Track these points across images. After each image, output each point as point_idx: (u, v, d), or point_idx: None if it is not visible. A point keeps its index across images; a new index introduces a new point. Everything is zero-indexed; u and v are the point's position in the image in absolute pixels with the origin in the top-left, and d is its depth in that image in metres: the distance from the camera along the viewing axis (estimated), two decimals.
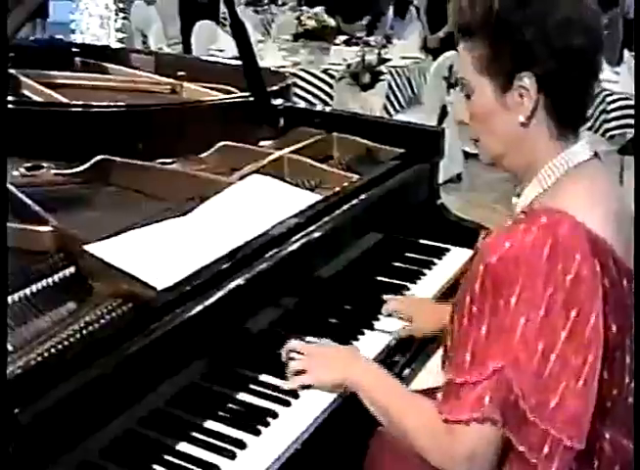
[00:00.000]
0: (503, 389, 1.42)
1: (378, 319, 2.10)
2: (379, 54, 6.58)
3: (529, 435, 1.43)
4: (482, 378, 1.43)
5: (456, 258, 2.48)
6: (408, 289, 2.28)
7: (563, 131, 1.56)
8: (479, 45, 1.53)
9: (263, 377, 1.80)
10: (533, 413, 1.41)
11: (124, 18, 8.38)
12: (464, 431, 1.45)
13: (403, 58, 7.00)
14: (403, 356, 2.05)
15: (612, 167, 5.39)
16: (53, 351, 1.49)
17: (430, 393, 1.85)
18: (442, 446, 1.51)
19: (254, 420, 1.67)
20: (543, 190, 1.55)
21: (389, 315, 2.11)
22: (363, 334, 2.03)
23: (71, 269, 1.73)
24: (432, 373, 2.11)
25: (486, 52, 1.52)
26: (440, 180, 2.80)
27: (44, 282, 1.68)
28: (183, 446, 1.59)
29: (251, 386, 1.78)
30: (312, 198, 2.19)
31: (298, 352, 1.81)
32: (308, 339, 1.92)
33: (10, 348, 1.49)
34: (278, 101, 2.85)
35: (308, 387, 1.76)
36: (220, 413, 1.69)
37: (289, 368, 1.78)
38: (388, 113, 6.48)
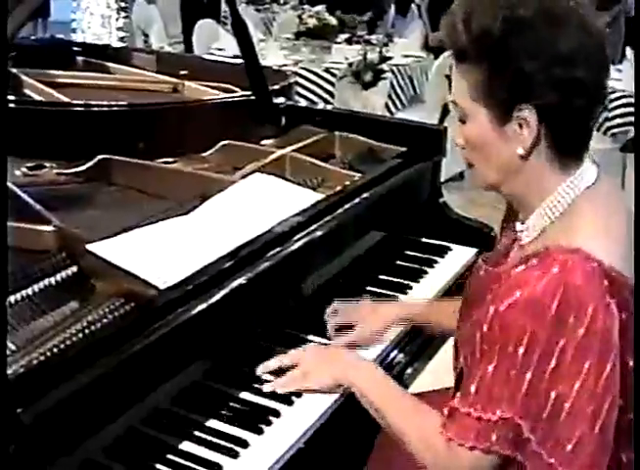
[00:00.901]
0: (512, 432, 1.39)
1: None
2: (380, 52, 6.57)
3: (545, 467, 1.39)
4: (487, 419, 1.40)
5: (458, 256, 2.48)
6: (410, 288, 2.28)
7: (565, 161, 1.47)
8: (474, 70, 1.43)
9: (266, 376, 1.80)
10: (551, 456, 1.38)
11: (126, 17, 8.38)
12: (465, 454, 1.44)
13: (405, 56, 7.00)
14: (405, 356, 2.05)
15: (613, 167, 5.41)
16: (55, 350, 1.49)
17: (432, 395, 1.86)
18: (441, 461, 1.50)
19: (257, 419, 1.67)
20: (552, 221, 1.48)
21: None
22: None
23: (74, 269, 1.74)
24: (434, 373, 2.12)
25: (483, 79, 1.42)
26: (442, 179, 2.80)
27: (46, 281, 1.69)
28: (186, 446, 1.59)
29: (254, 384, 1.77)
30: (314, 197, 2.19)
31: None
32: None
33: (12, 347, 1.49)
34: (280, 100, 2.84)
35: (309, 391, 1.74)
36: (223, 412, 1.68)
37: (287, 375, 1.75)
38: (389, 111, 6.48)
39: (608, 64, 1.48)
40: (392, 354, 2.03)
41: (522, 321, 1.36)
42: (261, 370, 1.77)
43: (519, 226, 1.57)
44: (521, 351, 1.36)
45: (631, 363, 1.43)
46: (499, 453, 1.41)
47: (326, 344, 1.95)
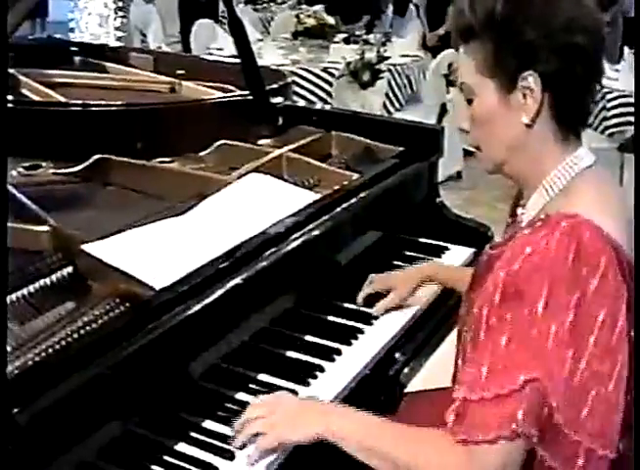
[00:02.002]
0: (538, 400, 1.33)
1: (377, 317, 2.09)
2: (378, 52, 6.56)
3: (564, 448, 1.36)
4: (510, 390, 1.34)
5: (455, 256, 2.48)
6: None
7: (566, 134, 1.53)
8: (481, 47, 1.51)
9: (262, 377, 1.80)
10: (567, 426, 1.35)
11: (123, 16, 8.38)
12: (488, 451, 1.35)
13: (403, 56, 6.99)
14: (403, 355, 2.05)
15: (610, 166, 5.40)
16: (51, 350, 1.49)
17: (428, 394, 1.85)
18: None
19: None
20: (551, 198, 1.52)
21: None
22: (362, 332, 2.03)
23: (69, 269, 1.73)
24: (431, 372, 2.12)
25: (489, 53, 1.49)
26: (440, 178, 2.80)
27: (42, 282, 1.68)
28: (182, 447, 1.59)
29: (250, 385, 1.77)
30: (311, 196, 2.19)
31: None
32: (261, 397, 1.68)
33: (8, 347, 1.49)
34: (277, 99, 2.84)
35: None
36: (219, 413, 1.68)
37: (245, 431, 1.58)
38: (387, 111, 6.48)
39: (603, 36, 1.55)
40: (390, 353, 2.02)
41: (538, 278, 1.36)
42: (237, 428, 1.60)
43: (520, 211, 1.62)
44: (540, 307, 1.35)
45: (633, 335, 1.43)
46: (528, 435, 1.33)
47: (325, 345, 1.94)
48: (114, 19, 7.71)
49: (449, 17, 1.59)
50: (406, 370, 2.04)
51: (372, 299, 2.14)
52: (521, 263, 1.39)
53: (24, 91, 2.87)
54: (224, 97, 2.83)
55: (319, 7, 7.65)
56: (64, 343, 1.51)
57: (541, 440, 1.35)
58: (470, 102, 1.57)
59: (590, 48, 1.48)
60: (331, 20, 7.24)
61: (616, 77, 6.24)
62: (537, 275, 1.37)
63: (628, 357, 1.44)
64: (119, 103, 2.58)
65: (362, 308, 2.12)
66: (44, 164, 2.34)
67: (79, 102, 2.57)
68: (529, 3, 1.47)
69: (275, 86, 2.88)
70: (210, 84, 3.01)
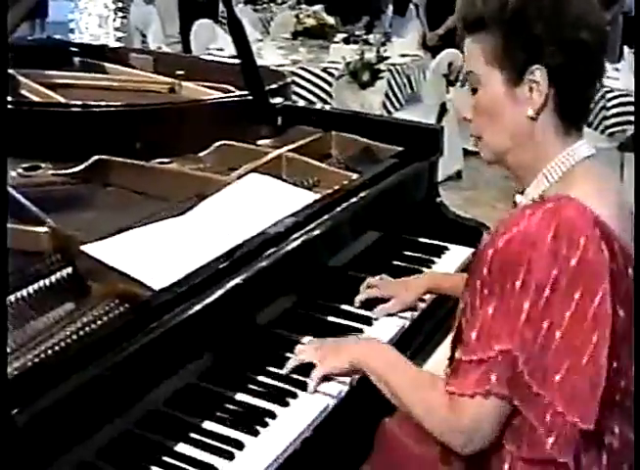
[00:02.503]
0: (509, 368, 1.45)
1: (377, 318, 2.09)
2: (378, 52, 6.56)
3: (536, 405, 1.46)
4: (487, 357, 1.47)
5: (455, 256, 2.48)
6: None
7: (567, 128, 1.58)
8: (490, 38, 1.55)
9: (262, 377, 1.80)
10: (540, 387, 1.44)
11: (123, 17, 8.38)
12: (468, 403, 1.50)
13: (402, 56, 6.98)
14: (403, 354, 2.05)
15: (611, 165, 5.40)
16: (50, 351, 1.49)
17: None
18: (448, 419, 1.54)
19: (253, 421, 1.67)
20: (550, 185, 1.57)
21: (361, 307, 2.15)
22: (362, 332, 2.03)
23: (69, 270, 1.73)
24: (433, 370, 2.12)
25: (499, 44, 1.54)
26: (440, 178, 2.80)
27: (41, 283, 1.68)
28: (181, 447, 1.59)
29: (250, 386, 1.77)
30: (311, 197, 2.19)
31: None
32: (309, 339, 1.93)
33: (7, 348, 1.49)
34: (277, 99, 2.84)
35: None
36: (218, 414, 1.68)
37: (298, 359, 1.81)
38: (387, 111, 6.48)
39: (607, 35, 1.63)
40: None
41: (519, 253, 1.44)
42: (286, 371, 1.82)
43: (518, 198, 1.66)
44: (518, 282, 1.44)
45: (622, 315, 1.49)
46: (498, 395, 1.47)
47: None
48: (114, 19, 7.71)
49: (457, 6, 1.63)
50: None
51: (369, 302, 2.14)
52: (505, 241, 1.46)
53: (24, 92, 2.87)
54: (224, 97, 2.83)
55: (319, 7, 7.65)
56: (63, 344, 1.52)
57: (516, 396, 1.47)
58: (474, 91, 1.61)
59: (595, 45, 1.53)
60: (331, 20, 7.24)
61: (616, 77, 6.24)
62: (518, 252, 1.44)
63: (635, 354, 1.52)
64: (119, 103, 2.58)
65: (361, 311, 2.12)
66: (43, 164, 2.34)
67: (79, 102, 2.56)
68: None
69: (274, 86, 2.88)
70: (210, 85, 3.01)
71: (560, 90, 1.54)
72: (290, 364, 1.81)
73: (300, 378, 1.79)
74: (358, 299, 2.15)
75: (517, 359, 1.44)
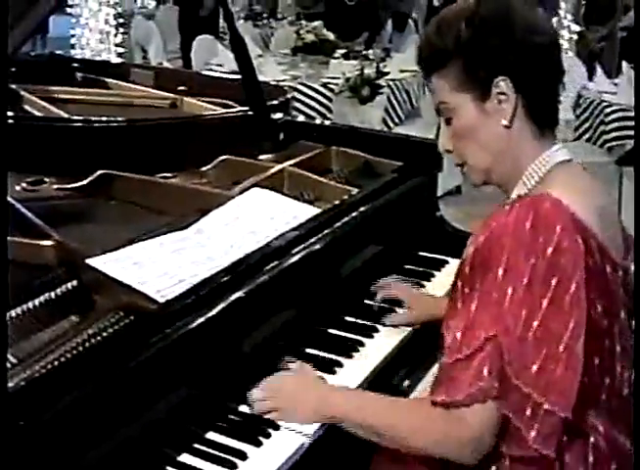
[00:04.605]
0: (497, 356, 1.46)
1: (378, 330, 2.11)
2: (377, 67, 6.59)
3: (514, 398, 1.47)
4: (475, 349, 1.47)
5: (455, 270, 2.48)
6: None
7: (541, 131, 1.64)
8: (452, 68, 1.61)
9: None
10: (518, 378, 1.46)
11: (124, 33, 8.40)
12: (467, 413, 1.49)
13: (402, 71, 7.00)
14: (404, 367, 2.06)
15: (609, 180, 5.42)
16: (56, 363, 1.50)
17: None
18: (447, 434, 1.53)
19: (255, 431, 1.68)
20: (528, 190, 1.62)
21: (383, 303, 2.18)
22: (363, 345, 2.04)
23: (74, 283, 1.74)
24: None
25: (461, 70, 1.61)
26: (440, 192, 2.82)
27: (47, 295, 1.69)
28: (184, 458, 1.60)
29: None
30: (312, 211, 2.21)
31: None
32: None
33: (13, 360, 1.51)
34: (278, 115, 2.86)
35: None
36: (221, 424, 1.70)
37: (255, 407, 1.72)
38: (387, 126, 6.50)
39: (555, 30, 1.78)
40: (392, 365, 2.04)
41: (499, 246, 1.49)
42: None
43: None
44: (500, 272, 1.48)
45: (599, 309, 1.53)
46: (491, 391, 1.46)
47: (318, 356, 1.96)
48: (115, 35, 7.72)
49: (417, 53, 1.70)
50: (407, 382, 2.06)
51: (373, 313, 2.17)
52: (485, 235, 1.52)
53: (27, 107, 2.89)
54: (225, 113, 2.85)
55: (318, 23, 7.68)
56: (68, 355, 1.52)
57: (498, 391, 1.47)
58: (448, 121, 1.67)
59: (549, 45, 1.63)
60: (330, 35, 7.27)
61: (614, 91, 6.28)
62: (498, 244, 1.49)
63: (634, 355, 1.58)
64: (121, 119, 2.60)
65: (363, 321, 2.13)
66: (47, 179, 2.36)
67: (81, 118, 2.58)
68: (491, 18, 1.60)
69: (275, 102, 2.90)
70: (211, 100, 3.03)
71: (526, 95, 1.60)
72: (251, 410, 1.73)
73: None
74: (378, 298, 2.19)
75: (502, 345, 1.46)
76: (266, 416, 1.70)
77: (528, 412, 1.46)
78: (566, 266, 1.47)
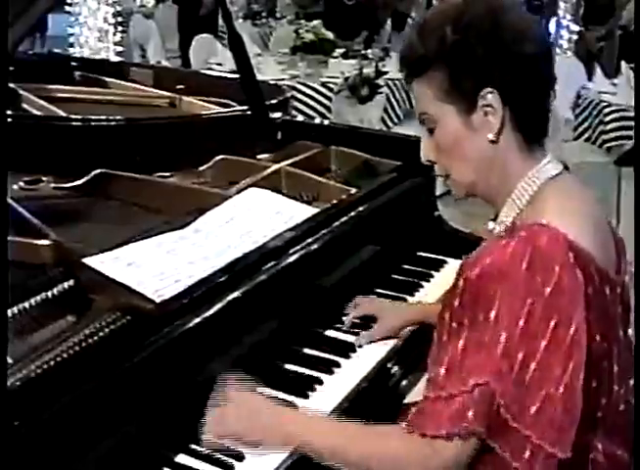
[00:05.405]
0: (486, 402, 1.39)
1: (361, 345, 2.07)
2: (377, 67, 6.59)
3: (511, 440, 1.41)
4: (461, 391, 1.40)
5: (454, 270, 2.45)
6: (406, 301, 2.29)
7: (529, 146, 1.56)
8: (436, 75, 1.52)
9: (260, 390, 1.80)
10: (515, 421, 1.39)
11: (123, 31, 8.39)
12: (445, 446, 1.42)
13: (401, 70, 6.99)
14: (401, 368, 2.06)
15: (608, 180, 5.42)
16: (52, 363, 1.50)
17: None
18: (420, 460, 1.46)
19: None
20: (520, 210, 1.55)
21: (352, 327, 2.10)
22: (361, 346, 2.04)
23: (70, 282, 1.74)
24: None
25: (445, 79, 1.52)
26: (438, 192, 2.81)
27: (43, 295, 1.69)
28: (181, 458, 1.60)
29: None
30: (310, 211, 2.20)
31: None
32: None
33: (9, 360, 1.50)
34: (276, 114, 2.86)
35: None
36: None
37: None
38: (386, 125, 6.51)
39: (550, 42, 1.64)
40: (389, 365, 2.04)
41: (493, 287, 1.40)
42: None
43: (490, 225, 1.63)
44: (492, 314, 1.40)
45: (598, 338, 1.48)
46: (477, 434, 1.40)
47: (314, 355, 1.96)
48: (114, 34, 7.71)
49: (399, 54, 1.62)
50: (405, 382, 2.05)
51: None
52: (478, 271, 1.42)
53: (26, 106, 2.89)
54: (223, 112, 2.85)
55: (318, 22, 7.67)
56: (65, 355, 1.52)
57: (491, 433, 1.41)
58: (431, 131, 1.59)
59: (540, 55, 1.53)
60: (329, 35, 7.27)
61: (613, 91, 6.28)
62: (492, 282, 1.41)
63: (635, 356, 1.53)
64: (120, 118, 2.60)
65: (361, 322, 2.13)
66: (45, 178, 2.35)
67: (80, 117, 2.58)
68: (477, 23, 1.50)
69: (274, 101, 2.90)
70: (210, 99, 3.03)
71: (515, 108, 1.52)
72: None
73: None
74: (348, 320, 2.11)
75: (494, 393, 1.39)
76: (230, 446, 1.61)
77: (527, 454, 1.41)
78: (565, 307, 1.41)
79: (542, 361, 1.39)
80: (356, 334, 2.08)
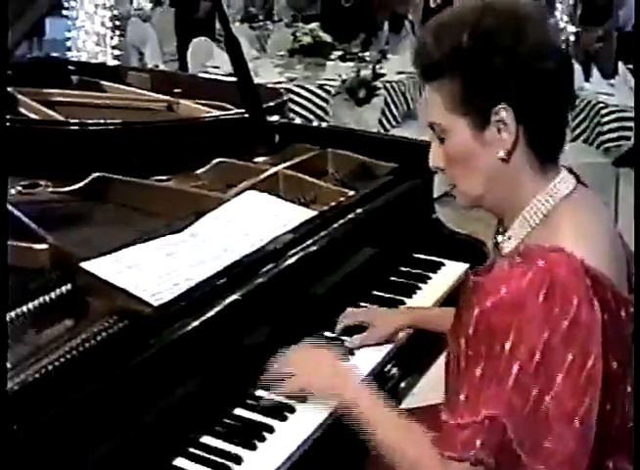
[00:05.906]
0: (496, 434, 1.38)
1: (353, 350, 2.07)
2: (374, 69, 6.60)
3: None
4: (472, 421, 1.40)
5: (451, 272, 2.49)
6: (404, 303, 2.29)
7: (543, 164, 1.51)
8: (449, 84, 1.46)
9: (259, 392, 1.81)
10: (528, 456, 1.38)
11: (120, 35, 8.39)
12: (457, 467, 1.42)
13: (398, 73, 7.00)
14: (399, 370, 2.06)
15: (606, 181, 5.41)
16: (50, 367, 1.50)
17: (422, 411, 1.86)
18: None
19: (251, 435, 1.68)
20: (532, 228, 1.51)
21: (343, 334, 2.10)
22: (352, 349, 2.04)
23: (68, 286, 1.74)
24: (428, 388, 2.12)
25: (458, 89, 1.45)
26: (436, 194, 2.81)
27: (41, 299, 1.69)
28: (179, 462, 1.60)
29: (248, 401, 1.78)
30: (307, 213, 2.21)
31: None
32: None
33: (8, 364, 1.50)
34: (274, 117, 2.86)
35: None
36: (217, 428, 1.69)
37: (282, 388, 1.76)
38: (383, 127, 6.50)
39: (570, 57, 1.56)
40: (387, 368, 2.04)
41: (508, 318, 1.37)
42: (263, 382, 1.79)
43: (499, 238, 1.60)
44: (507, 346, 1.37)
45: (615, 365, 1.45)
46: (486, 464, 1.39)
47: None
48: (111, 37, 7.70)
49: (412, 54, 1.54)
50: (403, 384, 2.05)
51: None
52: (493, 301, 1.39)
53: (23, 110, 2.89)
54: (221, 115, 2.85)
55: (315, 24, 7.67)
56: (63, 359, 1.52)
57: (503, 466, 1.39)
58: (442, 140, 1.53)
59: (560, 71, 1.46)
60: (327, 37, 7.27)
61: (611, 92, 6.28)
62: (508, 314, 1.37)
63: (635, 356, 1.48)
64: (117, 122, 2.60)
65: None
66: (42, 182, 2.35)
67: (77, 121, 2.58)
68: (497, 32, 1.43)
69: (272, 104, 2.90)
70: (207, 102, 3.03)
71: (529, 126, 1.45)
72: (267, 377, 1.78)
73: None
74: (338, 328, 2.10)
75: (505, 426, 1.37)
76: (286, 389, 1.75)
77: None
78: (583, 342, 1.37)
79: (557, 396, 1.37)
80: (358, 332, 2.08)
